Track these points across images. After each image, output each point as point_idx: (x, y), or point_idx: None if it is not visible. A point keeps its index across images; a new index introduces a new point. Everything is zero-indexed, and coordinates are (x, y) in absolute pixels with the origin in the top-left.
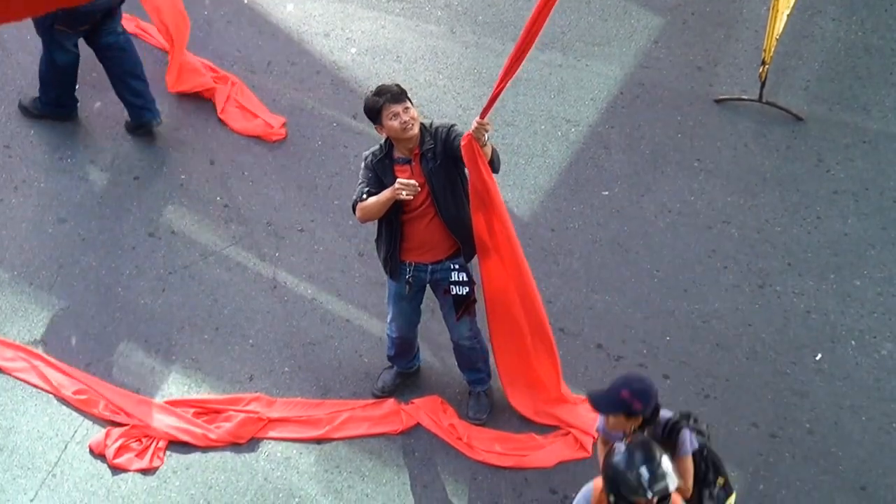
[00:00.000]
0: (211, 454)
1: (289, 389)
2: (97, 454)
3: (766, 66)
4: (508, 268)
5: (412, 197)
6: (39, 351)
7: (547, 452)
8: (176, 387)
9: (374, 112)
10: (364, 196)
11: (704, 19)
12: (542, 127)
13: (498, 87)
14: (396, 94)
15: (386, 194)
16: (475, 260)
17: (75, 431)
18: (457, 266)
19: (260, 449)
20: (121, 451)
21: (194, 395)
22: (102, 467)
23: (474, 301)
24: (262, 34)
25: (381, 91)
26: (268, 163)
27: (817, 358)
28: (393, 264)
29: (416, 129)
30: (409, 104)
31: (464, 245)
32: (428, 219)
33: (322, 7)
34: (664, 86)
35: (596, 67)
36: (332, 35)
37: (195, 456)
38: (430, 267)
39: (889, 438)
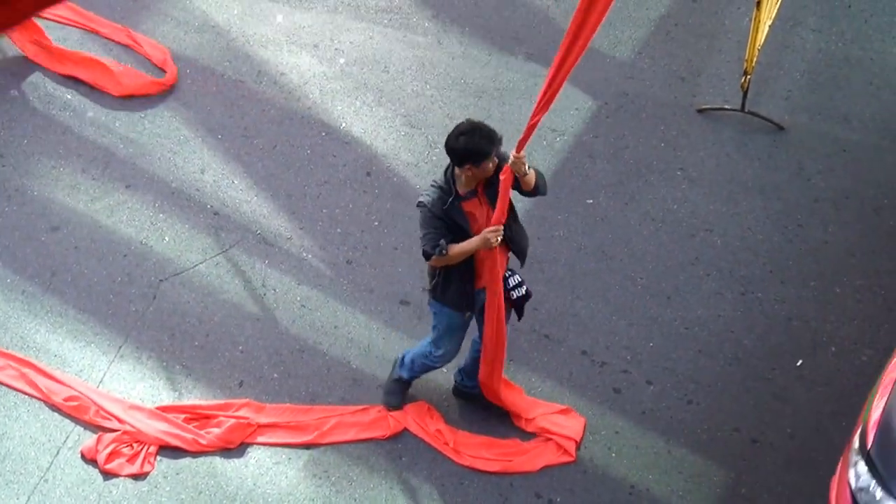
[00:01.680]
0: (201, 459)
1: (278, 395)
2: (89, 459)
3: (748, 77)
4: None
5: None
6: (31, 358)
7: (531, 457)
8: (166, 393)
9: (481, 156)
10: (445, 249)
11: (687, 31)
12: None
13: (535, 117)
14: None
15: (474, 244)
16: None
17: (67, 437)
18: (509, 272)
19: (249, 454)
20: (112, 456)
21: (185, 401)
22: (94, 473)
23: (526, 299)
24: (252, 45)
25: (495, 138)
26: (257, 172)
27: (798, 364)
28: (469, 298)
29: (488, 174)
30: (492, 156)
31: (519, 254)
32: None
33: (311, 18)
34: (648, 96)
35: (581, 78)
36: (320, 46)
37: (185, 461)
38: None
39: None
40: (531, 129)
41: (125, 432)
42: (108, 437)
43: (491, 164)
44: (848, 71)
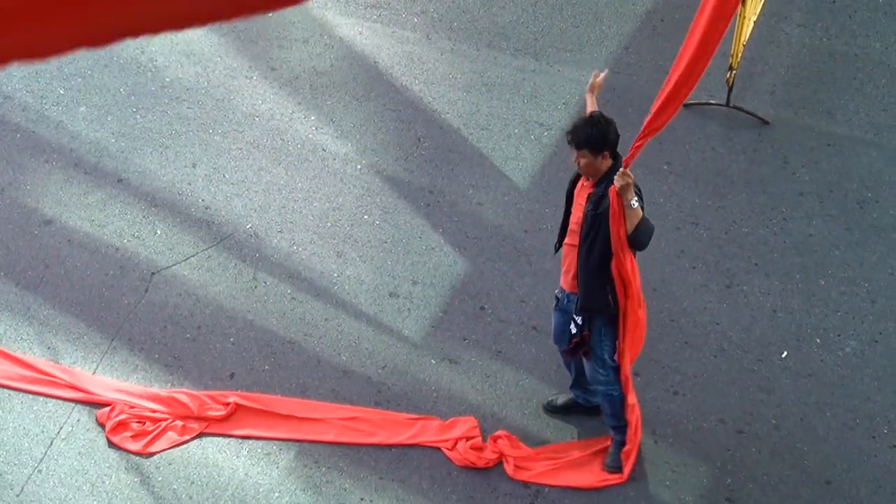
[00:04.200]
0: (192, 450)
1: (268, 386)
2: (99, 423)
3: (734, 72)
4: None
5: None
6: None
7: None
8: (159, 384)
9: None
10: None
11: (673, 26)
12: (516, 131)
13: (648, 132)
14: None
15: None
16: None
17: (60, 428)
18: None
19: (241, 445)
20: (119, 427)
21: (177, 393)
22: (87, 463)
23: (578, 347)
24: (243, 40)
25: (573, 128)
26: (248, 166)
27: (783, 356)
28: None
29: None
30: (582, 152)
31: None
32: (575, 252)
33: (301, 14)
34: (634, 90)
35: (568, 73)
36: (311, 41)
37: (177, 452)
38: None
39: (853, 434)
40: (637, 148)
41: (134, 405)
42: (122, 408)
43: (576, 156)
44: (832, 66)
